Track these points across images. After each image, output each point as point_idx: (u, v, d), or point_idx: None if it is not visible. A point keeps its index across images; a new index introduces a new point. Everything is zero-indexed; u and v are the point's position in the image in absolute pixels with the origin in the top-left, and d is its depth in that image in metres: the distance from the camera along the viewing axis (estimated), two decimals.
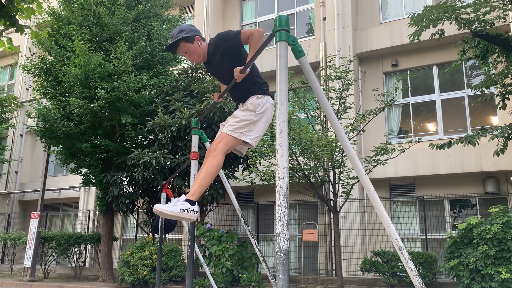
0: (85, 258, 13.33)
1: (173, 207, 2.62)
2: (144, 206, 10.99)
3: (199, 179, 2.80)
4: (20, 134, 17.85)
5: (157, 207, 2.60)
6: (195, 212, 2.69)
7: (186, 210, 2.64)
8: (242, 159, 10.27)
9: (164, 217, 2.68)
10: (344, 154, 8.56)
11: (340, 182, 9.00)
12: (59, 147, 11.57)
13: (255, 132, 3.04)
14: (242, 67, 2.92)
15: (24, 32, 4.97)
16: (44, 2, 5.79)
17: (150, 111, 10.72)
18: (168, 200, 6.71)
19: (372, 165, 8.70)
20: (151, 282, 9.68)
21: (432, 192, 10.88)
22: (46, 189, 13.57)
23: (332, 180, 8.88)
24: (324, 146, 8.13)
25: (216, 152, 2.89)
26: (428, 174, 10.68)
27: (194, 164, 4.13)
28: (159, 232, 6.64)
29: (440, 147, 7.44)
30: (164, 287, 9.73)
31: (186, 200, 2.69)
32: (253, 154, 8.79)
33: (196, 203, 2.72)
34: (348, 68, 9.21)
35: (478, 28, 7.59)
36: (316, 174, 9.05)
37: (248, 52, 2.99)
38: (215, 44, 3.10)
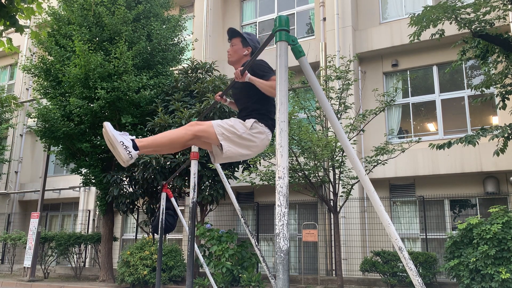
0: (85, 258, 13.33)
1: (118, 135, 2.54)
2: (144, 206, 10.99)
3: (157, 135, 2.72)
4: (20, 134, 17.85)
5: (106, 124, 2.53)
6: (130, 155, 2.55)
7: (124, 147, 2.53)
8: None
9: (105, 136, 2.56)
10: (344, 154, 8.56)
11: (340, 182, 9.00)
12: (59, 147, 11.57)
13: (233, 144, 2.87)
14: (243, 68, 2.91)
15: (24, 32, 4.97)
16: (44, 2, 5.79)
17: (150, 111, 10.72)
18: (168, 200, 6.71)
19: (372, 165, 8.70)
20: (151, 282, 9.68)
21: (432, 192, 10.88)
22: (46, 189, 13.57)
23: (332, 180, 8.88)
24: (324, 146, 8.13)
25: (190, 127, 2.79)
26: (428, 174, 10.68)
27: (194, 164, 4.13)
28: (159, 232, 6.64)
29: (440, 147, 7.44)
30: (164, 287, 9.73)
31: (133, 140, 2.59)
32: None
33: (138, 151, 2.59)
34: (348, 68, 9.21)
35: (478, 28, 7.59)
36: (316, 174, 9.05)
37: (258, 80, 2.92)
38: (250, 67, 3.06)
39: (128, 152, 2.54)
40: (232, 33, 3.28)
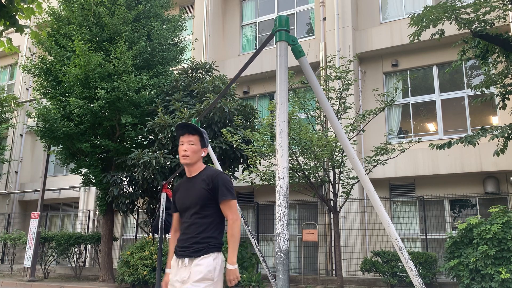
0: (85, 258, 13.32)
1: None
2: (144, 206, 10.99)
3: None
4: (20, 134, 17.85)
5: None
6: None
7: None
8: (242, 159, 10.27)
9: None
10: (344, 154, 8.56)
11: (340, 182, 9.00)
12: (59, 147, 11.56)
13: None
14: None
15: (24, 32, 4.97)
16: (44, 2, 5.79)
17: (150, 111, 10.72)
18: (168, 200, 6.70)
19: (372, 165, 8.70)
20: (151, 282, 9.68)
21: (432, 192, 10.88)
22: (46, 189, 13.57)
23: (332, 180, 8.88)
24: (324, 146, 8.13)
25: None
26: (428, 174, 10.68)
27: None
28: (159, 232, 6.64)
29: (440, 147, 7.44)
30: None
31: None
32: (253, 154, 8.79)
33: None
34: (348, 68, 9.21)
35: (478, 28, 7.59)
36: (316, 174, 9.05)
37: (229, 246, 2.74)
38: (209, 176, 2.81)
39: None
40: (192, 130, 2.85)
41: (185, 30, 12.38)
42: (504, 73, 7.95)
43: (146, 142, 11.35)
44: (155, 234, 10.52)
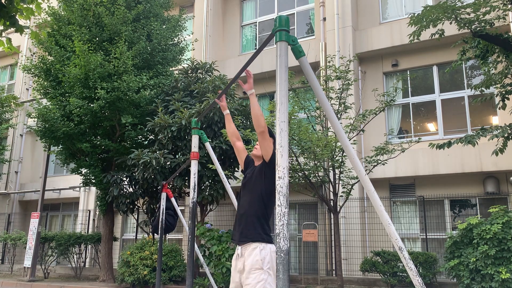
0: (85, 258, 13.33)
1: None
2: (144, 206, 10.99)
3: None
4: (20, 134, 17.85)
5: None
6: None
7: None
8: None
9: None
10: (344, 154, 8.56)
11: (340, 182, 9.00)
12: (59, 147, 11.57)
13: None
14: (249, 84, 3.09)
15: (24, 32, 4.97)
16: (44, 2, 5.79)
17: (150, 111, 10.72)
18: (168, 200, 6.70)
19: (372, 165, 8.70)
20: (151, 282, 9.68)
21: (432, 192, 10.88)
22: (46, 189, 13.57)
23: (332, 180, 8.88)
24: (324, 146, 8.13)
25: None
26: (428, 174, 10.68)
27: (194, 164, 4.13)
28: (159, 232, 6.64)
29: (440, 147, 7.44)
30: (164, 287, 9.73)
31: None
32: None
33: None
34: (348, 68, 9.20)
35: (478, 28, 7.59)
36: (316, 174, 9.05)
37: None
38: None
39: None
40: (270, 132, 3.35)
41: (185, 30, 12.38)
42: (504, 73, 7.95)
43: (146, 142, 11.35)
44: (155, 234, 10.53)
